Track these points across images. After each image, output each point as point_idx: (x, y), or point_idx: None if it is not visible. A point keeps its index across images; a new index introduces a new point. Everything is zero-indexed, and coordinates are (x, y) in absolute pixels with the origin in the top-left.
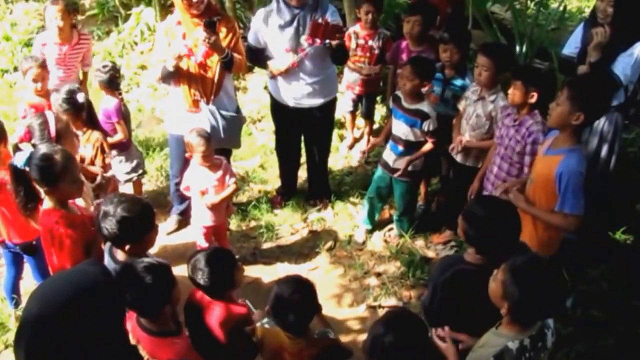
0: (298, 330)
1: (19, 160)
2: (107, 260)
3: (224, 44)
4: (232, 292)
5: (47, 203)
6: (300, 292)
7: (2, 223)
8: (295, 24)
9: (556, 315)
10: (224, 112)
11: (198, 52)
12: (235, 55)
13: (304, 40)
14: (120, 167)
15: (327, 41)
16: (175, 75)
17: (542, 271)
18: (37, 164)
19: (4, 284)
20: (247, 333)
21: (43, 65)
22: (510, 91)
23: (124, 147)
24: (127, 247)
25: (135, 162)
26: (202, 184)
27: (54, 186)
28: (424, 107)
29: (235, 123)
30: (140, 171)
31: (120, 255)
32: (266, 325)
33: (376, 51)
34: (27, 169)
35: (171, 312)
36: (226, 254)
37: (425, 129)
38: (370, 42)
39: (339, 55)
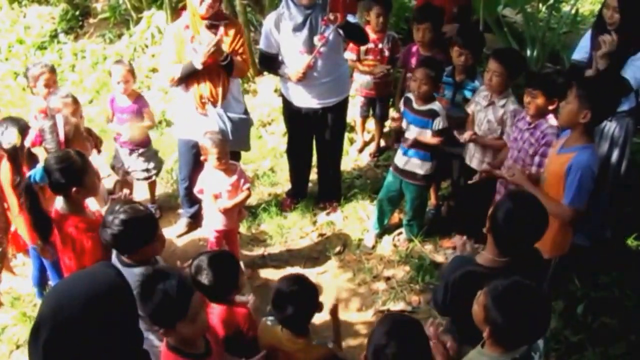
0: (296, 326)
1: (35, 174)
2: (114, 261)
3: (229, 47)
4: (234, 296)
5: (63, 209)
6: (299, 284)
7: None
8: (308, 25)
9: (567, 323)
10: (231, 115)
11: (200, 53)
12: (237, 58)
13: (317, 40)
14: (136, 164)
15: (341, 31)
16: (188, 77)
17: (525, 297)
18: (58, 167)
19: (31, 276)
20: (249, 335)
21: (53, 70)
22: (529, 99)
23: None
24: (125, 255)
25: (152, 163)
26: (215, 188)
27: (81, 184)
28: (435, 106)
29: (243, 125)
30: (154, 172)
31: (126, 258)
32: (268, 322)
33: (386, 53)
34: (44, 182)
35: (198, 331)
36: (230, 257)
37: (435, 127)
38: (380, 45)
39: (355, 34)
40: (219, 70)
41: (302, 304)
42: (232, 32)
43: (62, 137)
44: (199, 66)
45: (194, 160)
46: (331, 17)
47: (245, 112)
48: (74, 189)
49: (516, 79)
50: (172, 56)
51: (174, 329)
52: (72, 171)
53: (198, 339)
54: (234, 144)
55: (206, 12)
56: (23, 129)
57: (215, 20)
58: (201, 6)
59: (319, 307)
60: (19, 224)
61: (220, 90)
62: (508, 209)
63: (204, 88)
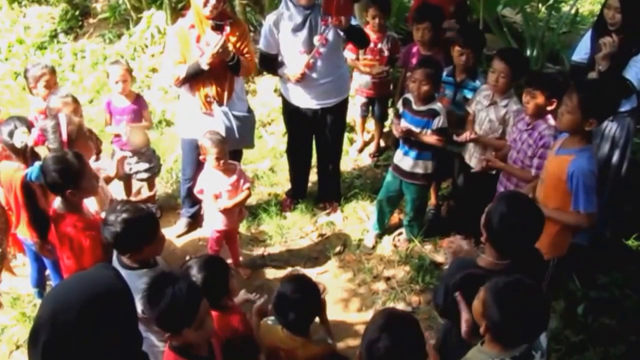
0: (298, 328)
1: (31, 172)
2: (114, 264)
3: (235, 47)
4: (227, 301)
5: (60, 208)
6: (302, 290)
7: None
8: (307, 25)
9: (568, 323)
10: (236, 113)
11: (207, 54)
12: (243, 58)
13: (316, 40)
14: (137, 165)
15: (341, 33)
16: (194, 77)
17: (523, 295)
18: (55, 169)
19: (30, 277)
20: (245, 340)
21: (53, 71)
22: (528, 99)
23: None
24: (127, 255)
25: (152, 162)
26: (215, 188)
27: (77, 186)
28: (435, 105)
29: (248, 123)
30: (155, 170)
31: (127, 260)
32: (269, 322)
33: (385, 54)
34: (39, 181)
35: (203, 338)
36: (220, 262)
37: (435, 126)
38: (379, 45)
39: (357, 36)
40: (225, 69)
41: (304, 309)
42: (237, 32)
43: (65, 137)
44: (205, 67)
45: (198, 160)
46: (335, 21)
47: (249, 110)
48: (68, 191)
49: (519, 80)
50: (176, 56)
51: (180, 334)
52: (68, 173)
53: (203, 344)
54: (239, 141)
55: (210, 13)
56: (29, 128)
57: (219, 20)
58: (205, 7)
59: (321, 308)
60: (23, 223)
61: (226, 89)
62: (502, 213)
63: (210, 87)
